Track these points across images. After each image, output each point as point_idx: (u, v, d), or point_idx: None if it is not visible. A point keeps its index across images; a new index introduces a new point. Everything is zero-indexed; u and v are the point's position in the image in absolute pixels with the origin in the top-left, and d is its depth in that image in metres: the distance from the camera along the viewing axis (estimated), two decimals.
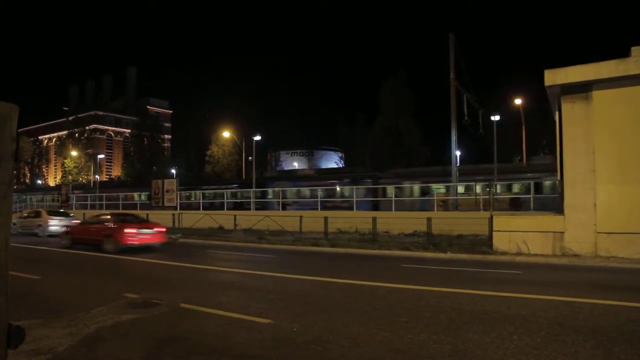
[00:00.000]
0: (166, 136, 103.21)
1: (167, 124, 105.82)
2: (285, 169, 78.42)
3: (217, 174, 66.50)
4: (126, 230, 16.30)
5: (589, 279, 10.85)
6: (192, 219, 27.89)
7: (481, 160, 41.11)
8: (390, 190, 29.53)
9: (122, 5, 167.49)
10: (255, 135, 43.45)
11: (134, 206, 39.70)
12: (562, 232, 14.33)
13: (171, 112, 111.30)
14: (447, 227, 19.04)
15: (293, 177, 45.94)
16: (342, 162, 70.32)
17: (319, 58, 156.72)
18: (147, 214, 29.91)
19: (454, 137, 27.51)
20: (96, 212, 37.16)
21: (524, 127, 38.85)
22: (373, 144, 56.58)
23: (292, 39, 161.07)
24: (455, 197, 27.97)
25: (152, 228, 17.57)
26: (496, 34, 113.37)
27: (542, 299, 7.88)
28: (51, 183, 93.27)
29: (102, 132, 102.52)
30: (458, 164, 30.81)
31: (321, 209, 29.18)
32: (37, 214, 27.07)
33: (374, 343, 5.39)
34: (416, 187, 32.16)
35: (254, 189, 36.41)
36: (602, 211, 13.78)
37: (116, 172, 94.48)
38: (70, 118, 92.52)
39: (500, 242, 15.31)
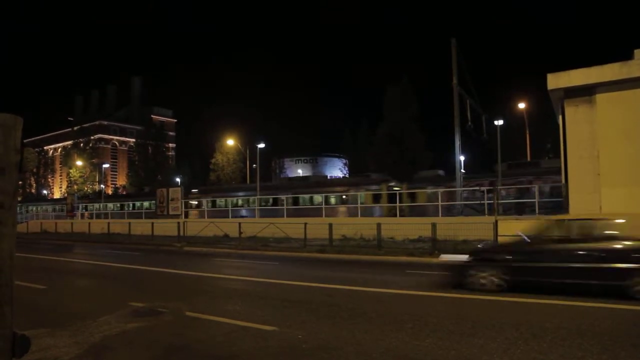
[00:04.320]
0: (170, 145, 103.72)
1: (171, 133, 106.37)
2: (290, 176, 78.59)
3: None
4: None
5: None
6: (197, 227, 27.93)
7: (483, 164, 40.96)
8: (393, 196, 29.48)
9: (126, 15, 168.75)
10: (259, 143, 43.53)
11: (139, 215, 39.83)
12: None
13: (175, 121, 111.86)
14: (451, 232, 18.96)
15: None
16: (346, 168, 70.31)
17: (322, 64, 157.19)
18: (152, 223, 30.01)
19: (457, 142, 27.47)
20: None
21: (527, 131, 38.81)
22: (377, 150, 56.56)
23: (295, 44, 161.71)
24: (460, 202, 27.91)
25: None
26: (499, 38, 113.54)
27: (548, 304, 7.83)
28: (56, 193, 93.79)
29: (107, 141, 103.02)
30: (462, 169, 30.82)
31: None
32: None
33: (379, 349, 5.37)
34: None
35: (258, 196, 36.45)
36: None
37: (121, 181, 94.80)
38: (75, 128, 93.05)
39: None
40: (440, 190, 27.00)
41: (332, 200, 33.93)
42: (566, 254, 8.93)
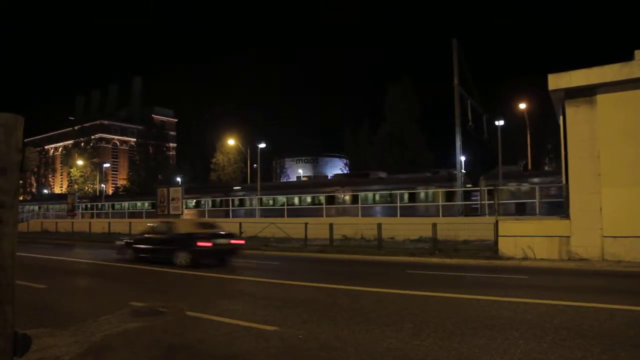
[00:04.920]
0: (171, 144, 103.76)
1: (172, 133, 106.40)
2: (290, 175, 78.64)
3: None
4: None
5: (596, 284, 10.79)
6: None
7: (482, 165, 40.73)
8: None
9: (126, 15, 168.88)
10: (260, 143, 43.54)
11: (139, 214, 39.83)
12: (568, 237, 14.27)
13: (176, 120, 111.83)
14: (452, 233, 19.01)
15: None
16: (347, 168, 70.35)
17: (322, 64, 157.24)
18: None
19: (458, 142, 27.47)
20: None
21: (528, 132, 38.76)
22: (378, 150, 56.58)
23: (295, 44, 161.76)
24: (461, 203, 27.92)
25: None
26: (499, 38, 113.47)
27: (548, 304, 7.83)
28: (57, 192, 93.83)
29: (108, 141, 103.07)
30: (463, 169, 30.78)
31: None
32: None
33: (380, 350, 5.37)
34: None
35: (258, 196, 36.44)
36: (608, 215, 13.71)
37: (122, 180, 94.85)
38: (76, 127, 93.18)
39: (506, 247, 15.25)
40: (525, 186, 25.34)
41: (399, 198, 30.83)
42: (154, 241, 15.58)
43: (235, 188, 42.56)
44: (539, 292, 9.11)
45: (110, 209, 47.08)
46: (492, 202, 26.30)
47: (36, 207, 58.47)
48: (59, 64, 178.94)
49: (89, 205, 52.41)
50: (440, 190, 28.16)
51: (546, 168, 48.88)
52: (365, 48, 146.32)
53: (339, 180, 39.10)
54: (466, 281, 11.39)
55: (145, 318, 7.20)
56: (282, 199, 36.43)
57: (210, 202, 38.79)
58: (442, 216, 25.00)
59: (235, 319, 7.01)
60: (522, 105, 38.02)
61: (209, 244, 14.45)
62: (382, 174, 39.48)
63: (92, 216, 47.57)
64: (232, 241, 15.66)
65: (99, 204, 50.78)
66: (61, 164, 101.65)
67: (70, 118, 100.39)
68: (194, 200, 40.28)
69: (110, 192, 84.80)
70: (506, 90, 48.62)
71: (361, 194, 32.00)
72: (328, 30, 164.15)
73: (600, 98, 14.15)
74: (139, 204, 44.78)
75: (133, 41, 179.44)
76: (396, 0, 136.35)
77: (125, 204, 47.02)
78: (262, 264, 15.63)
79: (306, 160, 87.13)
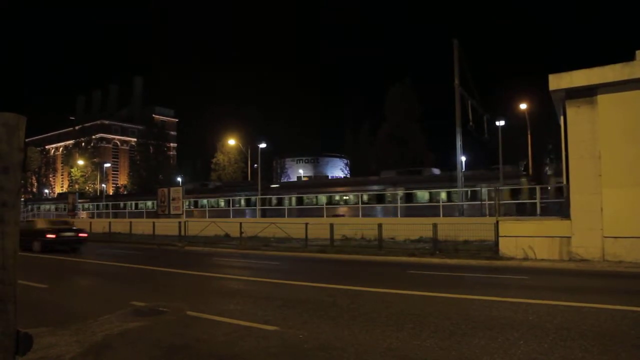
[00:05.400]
0: (172, 144, 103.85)
1: (172, 133, 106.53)
2: (291, 175, 78.63)
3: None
4: None
5: (596, 284, 10.78)
6: (198, 226, 27.96)
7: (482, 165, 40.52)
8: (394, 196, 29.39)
9: (126, 15, 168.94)
10: (260, 143, 43.53)
11: (140, 214, 39.85)
12: (569, 237, 14.25)
13: (177, 120, 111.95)
14: (453, 233, 18.96)
15: None
16: (348, 168, 70.35)
17: (323, 64, 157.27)
18: (153, 222, 30.04)
19: (459, 143, 27.45)
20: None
21: (529, 132, 38.71)
22: (378, 150, 56.58)
23: (295, 44, 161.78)
24: (462, 203, 27.89)
25: None
26: (499, 38, 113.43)
27: (548, 304, 7.83)
28: (58, 192, 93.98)
29: (109, 141, 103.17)
30: (463, 169, 30.74)
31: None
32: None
33: (380, 350, 5.37)
34: None
35: (259, 196, 36.43)
36: (609, 215, 13.69)
37: (122, 180, 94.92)
38: (77, 127, 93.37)
39: (506, 247, 15.24)
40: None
41: (455, 197, 29.77)
42: (22, 234, 19.02)
43: (272, 187, 42.14)
44: (539, 293, 9.11)
45: (111, 209, 47.07)
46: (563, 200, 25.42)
47: (37, 207, 58.64)
48: (59, 64, 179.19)
49: (90, 205, 52.47)
50: (506, 187, 26.78)
51: (547, 169, 48.75)
52: (365, 48, 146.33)
53: (389, 178, 36.62)
54: (467, 281, 11.39)
55: (146, 318, 7.21)
56: (322, 198, 35.99)
57: (243, 201, 39.17)
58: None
59: (235, 318, 7.02)
60: (523, 106, 37.97)
61: (54, 236, 20.03)
62: (436, 171, 37.85)
63: (92, 216, 47.62)
64: (80, 234, 21.47)
65: (100, 204, 50.83)
66: (62, 163, 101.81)
67: (71, 118, 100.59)
68: (222, 200, 40.34)
69: (111, 192, 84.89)
70: (507, 90, 48.59)
71: (416, 192, 31.04)
72: (328, 30, 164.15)
73: (601, 98, 14.14)
74: (139, 203, 44.80)
75: (133, 41, 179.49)
76: (396, 0, 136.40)
77: (126, 204, 47.06)
78: (263, 264, 15.64)
79: (307, 160, 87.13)
